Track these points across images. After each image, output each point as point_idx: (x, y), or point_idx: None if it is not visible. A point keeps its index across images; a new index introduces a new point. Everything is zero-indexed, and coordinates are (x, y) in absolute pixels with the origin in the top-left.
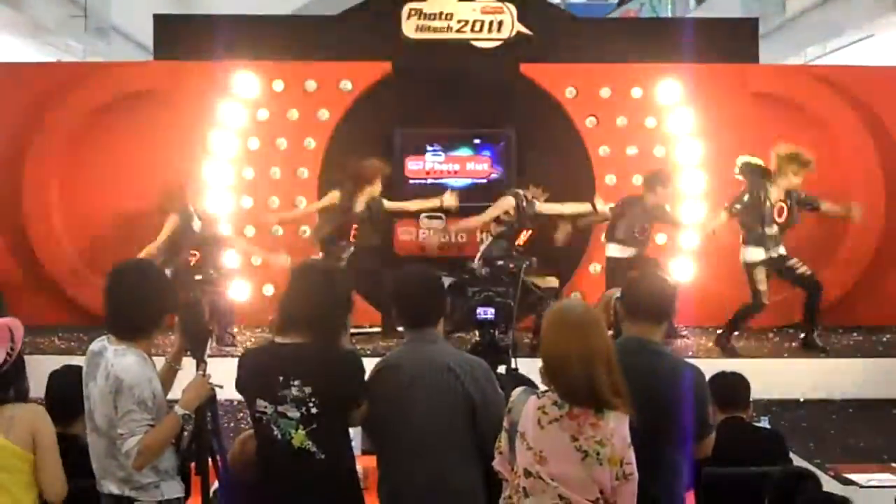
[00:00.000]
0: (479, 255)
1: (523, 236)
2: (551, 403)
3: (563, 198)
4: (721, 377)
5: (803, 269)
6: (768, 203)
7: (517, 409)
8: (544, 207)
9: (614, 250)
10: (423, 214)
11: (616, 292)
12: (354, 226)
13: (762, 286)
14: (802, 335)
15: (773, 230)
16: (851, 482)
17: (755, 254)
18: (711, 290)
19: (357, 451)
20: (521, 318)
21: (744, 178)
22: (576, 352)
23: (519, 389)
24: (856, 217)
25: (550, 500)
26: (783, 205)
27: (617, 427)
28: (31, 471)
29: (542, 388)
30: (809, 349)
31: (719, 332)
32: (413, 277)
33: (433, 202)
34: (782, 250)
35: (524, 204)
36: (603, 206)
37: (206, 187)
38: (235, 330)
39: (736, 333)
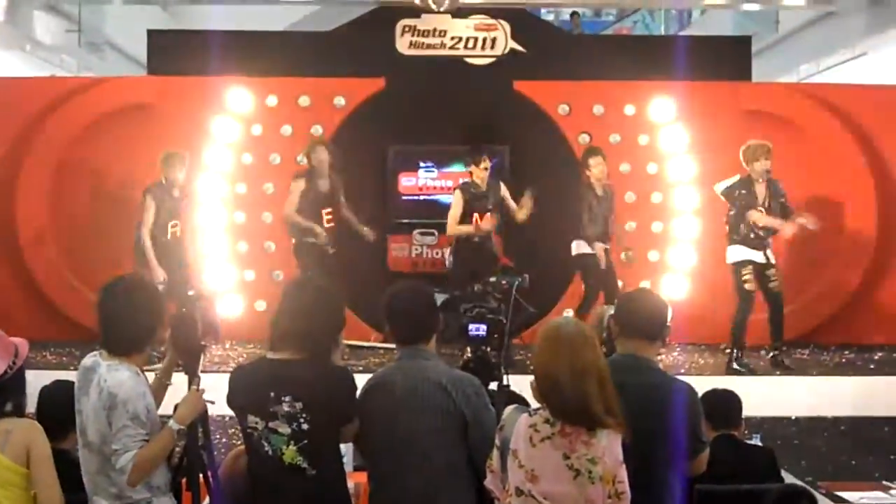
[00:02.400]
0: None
1: (485, 221)
2: (543, 421)
3: (558, 214)
4: (713, 394)
5: (775, 282)
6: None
7: (509, 427)
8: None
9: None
10: (417, 231)
11: (609, 309)
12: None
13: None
14: (770, 354)
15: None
16: (843, 500)
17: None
18: (705, 307)
19: (349, 468)
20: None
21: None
22: (567, 369)
23: (511, 407)
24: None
25: None
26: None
27: (609, 445)
28: (26, 485)
29: (535, 405)
30: (776, 367)
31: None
32: (406, 293)
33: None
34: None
35: (473, 190)
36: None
37: (199, 201)
38: (227, 345)
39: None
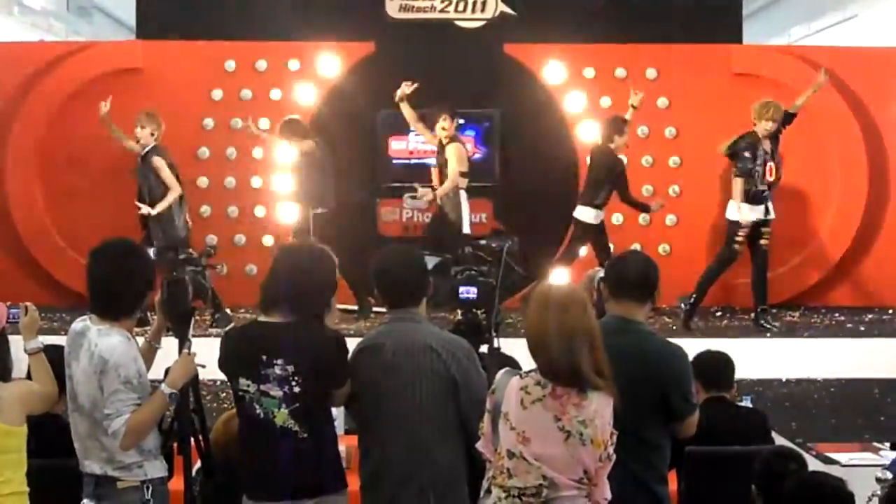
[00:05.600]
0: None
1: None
2: (534, 383)
3: (549, 177)
4: (706, 356)
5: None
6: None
7: (500, 391)
8: None
9: (589, 215)
10: (407, 195)
11: (600, 272)
12: None
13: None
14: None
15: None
16: (833, 461)
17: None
18: (691, 268)
19: (340, 431)
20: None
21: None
22: (555, 329)
23: (502, 371)
24: (821, 81)
25: (534, 480)
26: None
27: (600, 408)
28: (22, 448)
29: (526, 368)
30: (761, 329)
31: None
32: (395, 256)
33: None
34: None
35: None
36: None
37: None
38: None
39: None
